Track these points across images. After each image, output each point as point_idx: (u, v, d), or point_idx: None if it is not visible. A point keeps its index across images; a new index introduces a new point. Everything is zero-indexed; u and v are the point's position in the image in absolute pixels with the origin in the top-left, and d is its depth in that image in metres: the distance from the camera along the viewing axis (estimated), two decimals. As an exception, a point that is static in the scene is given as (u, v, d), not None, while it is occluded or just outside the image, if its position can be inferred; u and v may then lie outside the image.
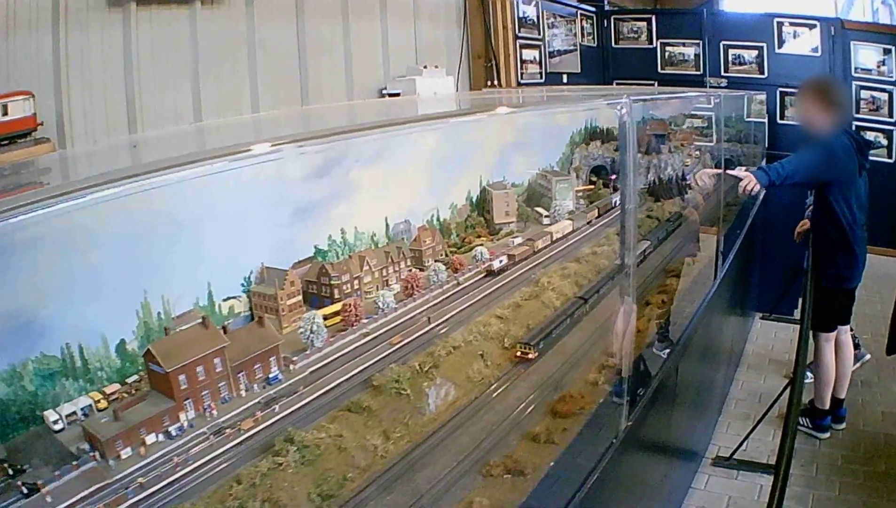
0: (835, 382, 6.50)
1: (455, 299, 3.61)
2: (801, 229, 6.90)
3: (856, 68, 12.20)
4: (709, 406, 6.62)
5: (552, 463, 3.43)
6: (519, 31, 10.47)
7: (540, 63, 11.11)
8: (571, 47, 12.33)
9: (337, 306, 3.26)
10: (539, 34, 11.17)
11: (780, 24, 12.80)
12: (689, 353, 5.22)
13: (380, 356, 3.11)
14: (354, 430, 2.75)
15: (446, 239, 4.29)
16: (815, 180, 6.31)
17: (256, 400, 2.52)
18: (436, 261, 3.98)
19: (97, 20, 5.64)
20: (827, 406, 6.51)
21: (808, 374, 7.19)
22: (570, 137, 5.89)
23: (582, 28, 12.87)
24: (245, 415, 2.46)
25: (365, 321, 3.33)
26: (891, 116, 12.26)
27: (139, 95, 5.90)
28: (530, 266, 4.04)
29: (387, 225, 3.75)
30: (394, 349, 3.17)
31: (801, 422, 6.46)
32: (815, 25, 12.63)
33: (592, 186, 6.09)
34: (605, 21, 13.62)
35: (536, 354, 3.61)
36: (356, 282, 3.48)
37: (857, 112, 12.14)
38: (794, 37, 12.81)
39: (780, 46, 12.87)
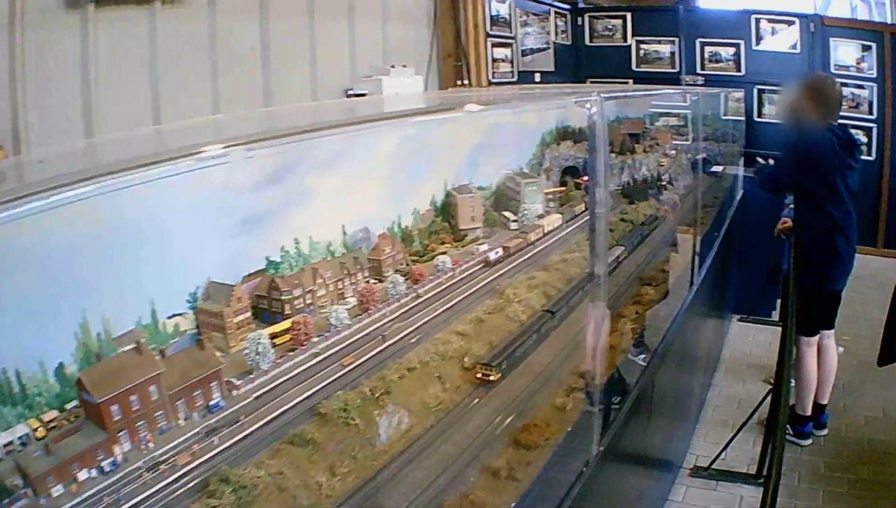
0: (817, 387, 6.34)
1: (414, 313, 3.45)
2: (783, 226, 6.74)
3: (835, 65, 12.15)
4: (686, 414, 6.45)
5: (513, 504, 3.22)
6: (490, 30, 10.37)
7: (512, 62, 11.02)
8: (544, 45, 12.27)
9: (286, 324, 3.11)
10: (511, 32, 11.08)
11: (758, 21, 12.83)
12: (666, 362, 5.06)
13: (330, 380, 2.94)
14: (297, 466, 2.58)
15: (408, 247, 4.15)
16: (792, 179, 6.29)
17: (196, 430, 2.35)
18: (395, 272, 3.84)
19: (54, 22, 5.51)
20: (808, 412, 6.34)
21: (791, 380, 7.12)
22: (540, 137, 5.78)
23: (556, 26, 12.82)
24: (183, 447, 2.30)
25: (316, 339, 3.18)
26: (871, 113, 12.27)
27: (97, 98, 5.76)
28: (494, 276, 3.88)
29: (344, 233, 3.61)
30: (345, 370, 3.01)
31: (783, 429, 6.37)
32: (793, 22, 12.65)
33: (563, 188, 5.98)
34: (580, 19, 13.59)
35: (499, 375, 3.40)
36: (309, 296, 3.33)
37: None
38: (773, 34, 12.83)
39: (757, 43, 12.89)
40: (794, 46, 12.64)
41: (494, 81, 10.35)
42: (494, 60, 10.48)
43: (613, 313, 4.44)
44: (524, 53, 11.45)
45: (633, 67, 13.41)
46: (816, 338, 6.33)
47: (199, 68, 6.71)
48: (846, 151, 5.94)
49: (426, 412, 3.07)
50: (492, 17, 10.47)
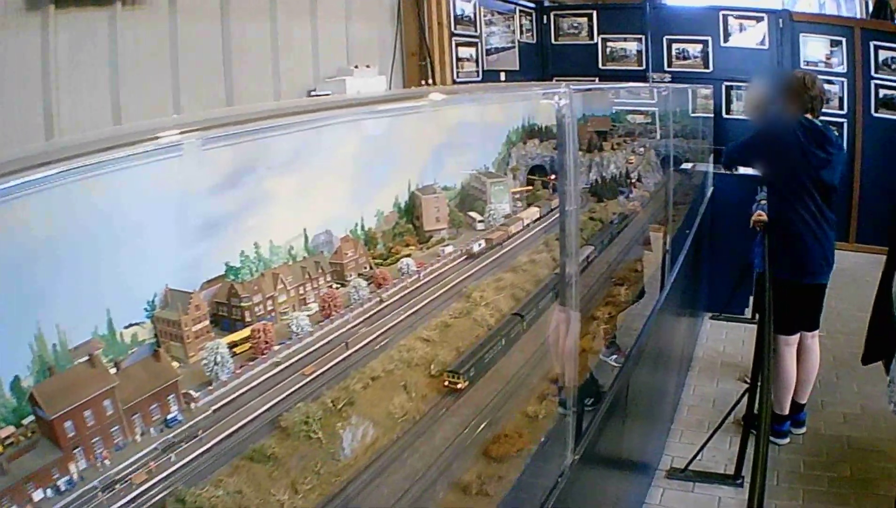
0: (796, 387, 6.25)
1: (378, 318, 3.35)
2: (758, 219, 6.63)
3: (804, 61, 12.16)
4: (661, 416, 6.38)
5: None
6: (455, 29, 10.30)
7: (477, 61, 10.95)
8: (510, 44, 12.21)
9: (245, 332, 3.03)
10: (476, 31, 11.00)
11: (726, 17, 12.81)
12: (640, 364, 4.97)
13: (291, 390, 2.84)
14: (257, 483, 2.47)
15: (371, 250, 4.05)
16: (744, 158, 6.75)
17: (153, 446, 2.28)
18: (358, 276, 3.75)
19: (13, 23, 5.38)
20: (786, 412, 6.25)
21: (761, 377, 7.07)
22: (506, 135, 5.70)
23: (521, 25, 12.77)
24: (140, 465, 2.22)
25: (277, 347, 3.08)
26: (841, 108, 12.29)
27: (57, 100, 5.63)
28: (461, 278, 3.79)
29: (306, 237, 3.52)
30: (307, 380, 2.91)
31: (758, 428, 6.30)
32: (762, 18, 12.65)
33: (530, 187, 5.90)
34: (545, 17, 13.57)
35: (466, 383, 3.27)
36: (270, 303, 3.23)
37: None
38: (741, 30, 12.80)
39: (725, 40, 12.88)
40: (762, 42, 12.64)
41: (459, 80, 10.28)
42: (459, 60, 10.40)
43: (584, 315, 4.35)
44: (489, 52, 11.38)
45: (600, 65, 13.40)
46: (795, 338, 6.22)
47: (160, 70, 6.60)
48: (815, 143, 5.85)
49: (392, 424, 2.95)
50: (456, 15, 10.39)
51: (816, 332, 6.39)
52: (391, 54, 9.65)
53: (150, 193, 2.14)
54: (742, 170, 9.45)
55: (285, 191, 3.12)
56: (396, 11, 9.75)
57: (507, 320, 3.71)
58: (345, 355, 3.09)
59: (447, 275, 3.82)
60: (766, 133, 6.17)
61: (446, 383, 3.25)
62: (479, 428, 3.20)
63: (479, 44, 11.07)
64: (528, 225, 4.48)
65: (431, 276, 3.74)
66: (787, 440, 6.23)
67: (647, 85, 8.02)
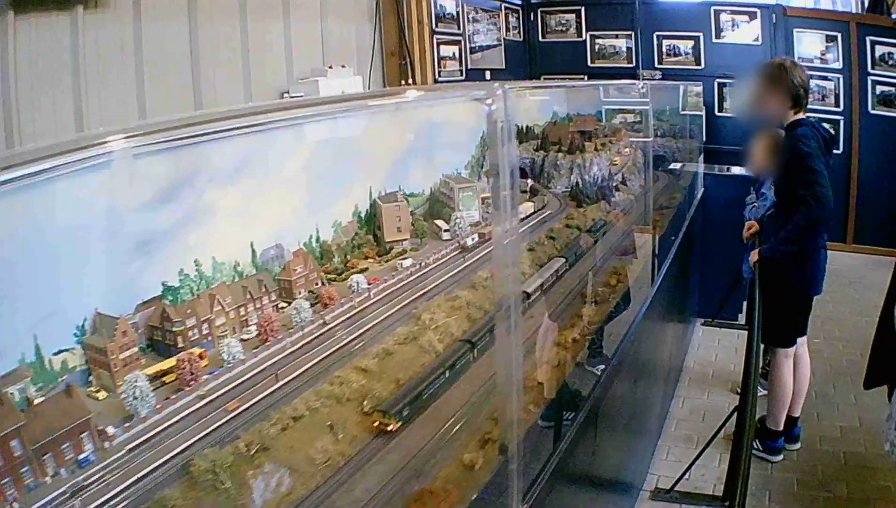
0: (790, 399, 5.97)
1: (318, 344, 3.10)
2: (750, 233, 6.25)
3: (799, 57, 11.92)
4: (646, 431, 6.06)
5: None
6: (436, 27, 10.08)
7: (460, 60, 10.71)
8: (495, 42, 12.03)
9: (171, 362, 2.81)
10: (459, 29, 10.77)
11: (718, 13, 12.64)
12: (620, 376, 4.65)
13: (211, 428, 2.60)
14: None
15: (325, 264, 3.83)
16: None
17: (63, 489, 2.13)
18: (310, 293, 3.51)
19: (-28, 28, 5.23)
20: (781, 427, 5.95)
21: (759, 388, 6.77)
22: (480, 137, 5.47)
23: (507, 22, 12.62)
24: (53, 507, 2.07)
25: (207, 377, 2.85)
26: (837, 105, 12.11)
27: (17, 109, 5.46)
28: (414, 296, 3.53)
29: (253, 252, 3.31)
30: (229, 416, 2.67)
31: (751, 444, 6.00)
32: (754, 13, 12.47)
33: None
34: (532, 14, 13.44)
35: (399, 424, 2.94)
36: (206, 326, 3.01)
37: (805, 103, 11.93)
38: (733, 25, 12.63)
39: (717, 36, 12.72)
40: (755, 38, 12.48)
41: (441, 79, 10.07)
42: (441, 58, 10.18)
43: (562, 324, 4.09)
44: (473, 51, 11.17)
45: (589, 62, 13.27)
46: (794, 349, 5.91)
47: (124, 74, 6.40)
48: (828, 148, 5.50)
49: (311, 471, 2.66)
50: (437, 13, 10.17)
51: (805, 338, 6.09)
52: (369, 54, 9.42)
53: (79, 208, 2.05)
54: (735, 170, 9.29)
55: (230, 202, 2.94)
56: (375, 9, 9.53)
57: (455, 347, 3.41)
58: (274, 387, 2.84)
59: (400, 293, 3.57)
60: (799, 148, 5.28)
61: (376, 423, 2.94)
62: (407, 480, 2.82)
63: (463, 42, 10.84)
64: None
65: (384, 294, 3.50)
66: (781, 456, 5.92)
67: (628, 82, 7.76)
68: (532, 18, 13.44)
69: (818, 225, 5.38)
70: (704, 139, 11.67)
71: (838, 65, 12.06)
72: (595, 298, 4.68)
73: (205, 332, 3.00)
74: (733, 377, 7.17)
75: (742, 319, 8.51)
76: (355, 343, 3.19)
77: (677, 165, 8.53)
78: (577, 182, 5.83)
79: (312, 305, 3.38)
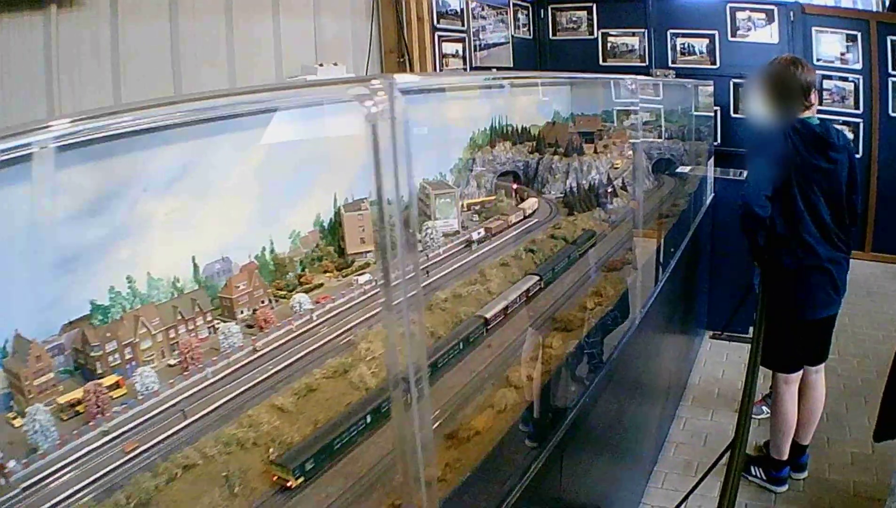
0: (798, 428, 5.55)
1: (242, 374, 2.79)
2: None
3: (817, 57, 11.63)
4: (640, 456, 5.68)
5: None
6: (438, 23, 9.81)
7: (464, 57, 10.45)
8: (503, 40, 11.79)
9: (78, 393, 2.55)
10: (463, 26, 10.49)
11: (734, 11, 12.33)
12: (607, 396, 4.27)
13: (106, 470, 2.31)
14: None
15: (278, 279, 3.53)
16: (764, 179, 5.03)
17: None
18: (253, 313, 3.21)
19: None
20: (785, 457, 5.55)
21: (764, 409, 6.41)
22: (470, 138, 5.20)
23: (516, 19, 12.37)
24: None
25: (119, 409, 2.56)
26: (857, 107, 11.76)
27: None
28: (360, 319, 3.20)
29: (195, 266, 3.03)
30: (125, 458, 2.37)
31: (754, 472, 5.60)
32: (772, 11, 12.14)
33: (491, 198, 5.37)
34: (542, 11, 13.21)
35: (300, 480, 2.51)
36: (128, 351, 2.73)
37: (821, 103, 11.57)
38: (750, 23, 12.31)
39: (733, 34, 12.41)
40: (772, 38, 12.16)
41: (443, 77, 9.81)
42: (443, 56, 9.90)
43: (543, 342, 3.73)
44: (479, 48, 10.90)
45: (600, 61, 13.02)
46: (797, 375, 5.48)
47: (100, 75, 6.16)
48: (815, 150, 5.01)
49: None
50: (440, 9, 9.91)
51: (822, 366, 5.61)
52: (366, 51, 9.14)
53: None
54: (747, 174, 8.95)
55: (168, 211, 2.66)
56: (372, 4, 9.24)
57: (386, 386, 2.88)
58: (180, 426, 2.52)
59: (347, 315, 3.25)
60: (756, 146, 5.19)
61: (275, 477, 2.54)
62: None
63: (467, 39, 10.56)
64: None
65: (328, 316, 3.18)
66: (786, 486, 5.52)
67: (618, 77, 7.41)
68: (542, 15, 13.20)
69: (747, 224, 5.11)
70: (718, 141, 11.46)
71: (858, 65, 11.71)
72: (567, 324, 4.21)
73: (128, 357, 2.73)
74: (740, 395, 6.75)
75: (753, 331, 8.17)
76: (282, 375, 2.87)
77: (686, 169, 8.19)
78: (571, 187, 5.51)
79: (250, 327, 3.09)
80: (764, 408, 6.35)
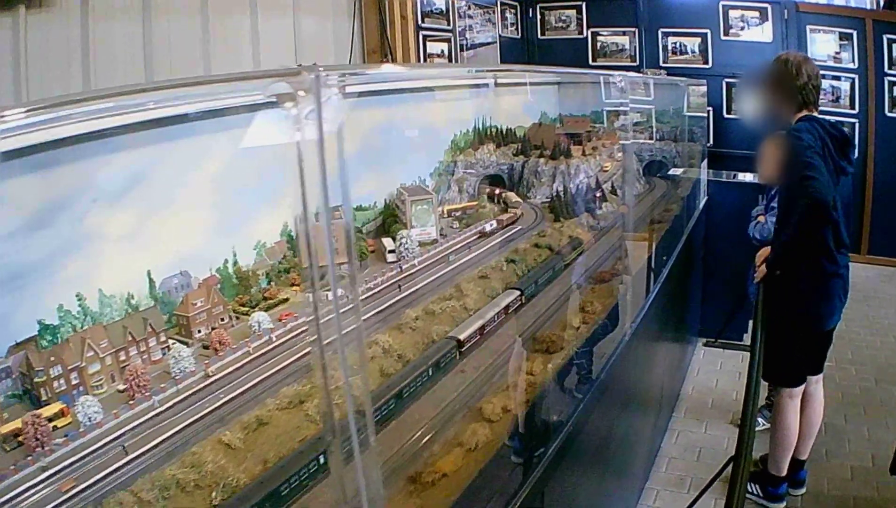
0: (797, 442, 5.32)
1: (194, 402, 2.57)
2: (762, 274, 5.48)
3: (812, 55, 11.48)
4: (630, 472, 5.43)
5: None
6: (423, 23, 9.65)
7: (450, 57, 10.28)
8: (490, 39, 11.64)
9: (17, 423, 2.36)
10: (449, 25, 10.31)
11: (727, 9, 12.23)
12: (598, 410, 4.03)
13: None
14: None
15: (241, 294, 3.32)
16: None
17: None
18: (212, 329, 3.00)
19: None
20: (783, 473, 5.33)
21: (761, 421, 6.20)
22: (451, 140, 5.01)
23: (504, 18, 12.25)
24: None
25: (60, 441, 2.35)
26: (852, 107, 11.66)
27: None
28: (328, 340, 2.98)
29: (151, 281, 2.82)
30: (60, 500, 2.17)
31: (750, 489, 5.39)
32: (766, 9, 12.04)
33: (473, 203, 5.17)
34: (531, 10, 13.10)
35: None
36: (75, 376, 2.52)
37: (815, 103, 11.51)
38: (743, 22, 12.21)
39: (726, 33, 12.31)
40: (766, 36, 12.05)
41: (429, 78, 9.65)
42: (428, 56, 9.73)
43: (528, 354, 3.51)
44: (465, 48, 10.73)
45: (590, 60, 12.95)
46: (801, 389, 5.25)
47: (71, 77, 6.02)
48: (838, 151, 4.76)
49: None
50: (425, 9, 9.75)
51: (821, 376, 5.41)
52: (348, 51, 8.96)
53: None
54: (742, 176, 8.79)
55: (121, 222, 2.46)
56: (354, 3, 9.07)
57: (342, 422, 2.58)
58: (121, 462, 2.30)
59: (311, 334, 3.04)
60: (803, 146, 4.57)
61: None
62: None
63: (453, 39, 10.38)
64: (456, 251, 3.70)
65: (288, 337, 2.97)
66: (783, 504, 5.30)
67: (606, 74, 7.18)
68: (531, 14, 13.10)
69: (816, 225, 4.60)
70: (711, 142, 11.34)
71: (853, 64, 11.61)
72: (549, 345, 3.92)
73: (74, 382, 2.53)
74: (735, 406, 6.55)
75: (748, 339, 7.92)
76: (235, 404, 2.65)
77: (678, 171, 8.01)
78: (558, 192, 5.30)
79: (207, 347, 2.88)
80: (760, 420, 6.13)
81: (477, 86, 4.80)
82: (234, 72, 1.76)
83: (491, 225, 4.62)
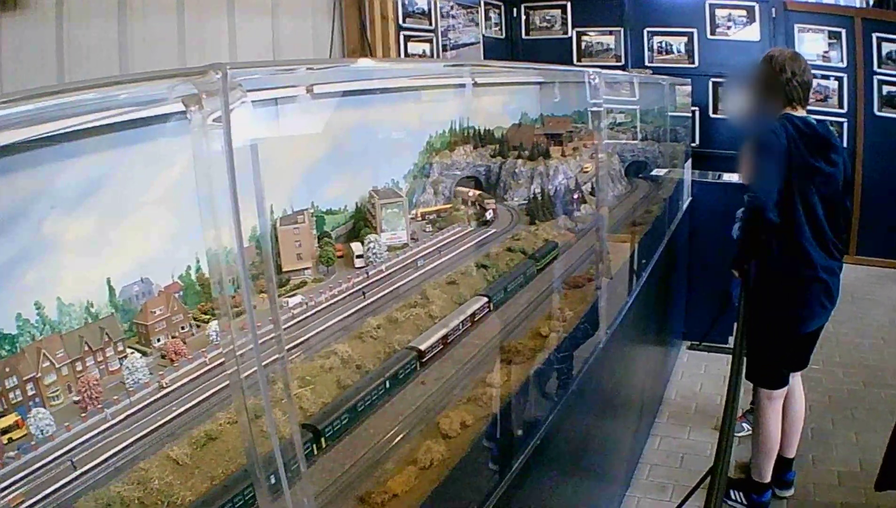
0: (782, 439, 5.30)
1: (148, 414, 2.52)
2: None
3: (799, 54, 11.50)
4: (610, 478, 5.39)
5: None
6: (404, 22, 9.63)
7: (432, 57, 10.19)
8: (473, 40, 11.61)
9: None
10: (431, 25, 10.29)
11: (714, 8, 12.25)
12: (579, 412, 3.99)
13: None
14: None
15: (205, 302, 3.27)
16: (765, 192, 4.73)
17: None
18: (173, 340, 2.96)
19: None
20: (767, 479, 5.30)
21: (744, 426, 6.17)
22: (426, 141, 4.96)
23: (487, 18, 12.23)
24: None
25: (12, 454, 2.32)
26: (841, 106, 11.71)
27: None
28: (281, 353, 2.93)
29: (111, 289, 2.77)
30: None
31: (734, 496, 5.35)
32: (753, 8, 12.07)
33: (447, 206, 5.13)
34: (515, 10, 13.10)
35: None
36: (31, 386, 2.48)
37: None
38: (730, 21, 12.23)
39: (712, 32, 12.32)
40: (753, 35, 12.07)
41: (410, 79, 9.61)
42: (409, 56, 9.67)
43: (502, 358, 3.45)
44: (448, 48, 10.70)
45: (575, 60, 12.96)
46: (783, 391, 5.23)
47: (45, 79, 6.01)
48: (816, 152, 4.76)
49: None
50: (406, 9, 9.74)
51: (799, 372, 5.41)
52: (327, 52, 8.93)
53: None
54: (727, 177, 8.77)
55: (80, 228, 2.42)
56: (334, 3, 9.03)
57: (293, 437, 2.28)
58: (68, 478, 2.26)
59: (273, 344, 2.99)
60: (761, 147, 4.79)
61: None
62: None
63: (435, 39, 10.35)
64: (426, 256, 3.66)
65: (249, 347, 2.92)
66: (769, 511, 5.31)
67: (583, 69, 7.14)
68: (515, 14, 13.09)
69: (753, 227, 4.89)
70: (697, 142, 11.44)
71: (842, 63, 11.65)
72: (515, 354, 3.82)
73: (30, 393, 2.49)
74: (719, 411, 6.47)
75: (732, 342, 7.90)
76: (187, 417, 2.61)
77: (661, 172, 7.98)
78: (535, 194, 5.27)
79: (163, 356, 2.84)
80: (745, 425, 6.10)
81: (455, 85, 4.77)
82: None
83: (464, 229, 4.59)
